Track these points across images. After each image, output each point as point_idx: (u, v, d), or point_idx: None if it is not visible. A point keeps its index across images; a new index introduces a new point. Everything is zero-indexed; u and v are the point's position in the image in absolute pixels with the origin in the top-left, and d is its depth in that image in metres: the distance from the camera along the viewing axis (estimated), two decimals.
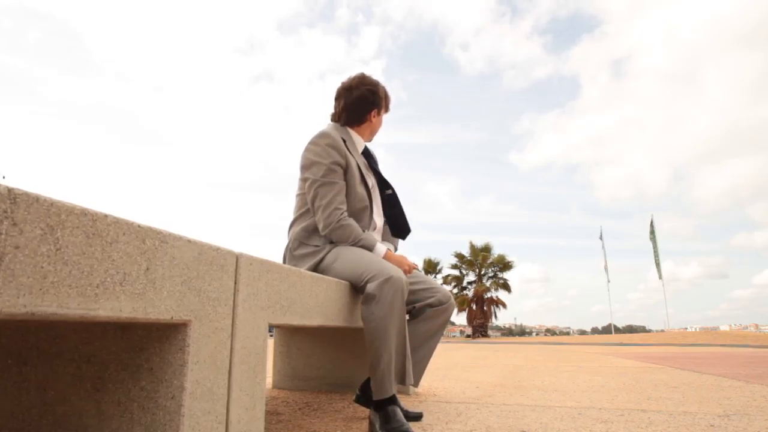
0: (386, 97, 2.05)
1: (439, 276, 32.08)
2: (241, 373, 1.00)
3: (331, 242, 1.79)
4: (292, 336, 2.70)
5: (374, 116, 1.99)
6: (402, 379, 1.68)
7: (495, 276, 30.39)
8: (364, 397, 1.77)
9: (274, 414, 1.90)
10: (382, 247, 1.81)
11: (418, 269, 2.00)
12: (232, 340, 0.98)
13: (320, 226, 1.78)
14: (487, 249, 30.61)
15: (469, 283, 30.74)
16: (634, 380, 3.19)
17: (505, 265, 30.29)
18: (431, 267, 32.18)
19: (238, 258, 1.01)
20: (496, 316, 30.27)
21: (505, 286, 30.15)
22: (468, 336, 28.70)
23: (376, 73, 2.11)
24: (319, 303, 1.40)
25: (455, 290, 31.06)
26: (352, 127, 1.98)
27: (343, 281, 1.64)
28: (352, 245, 1.76)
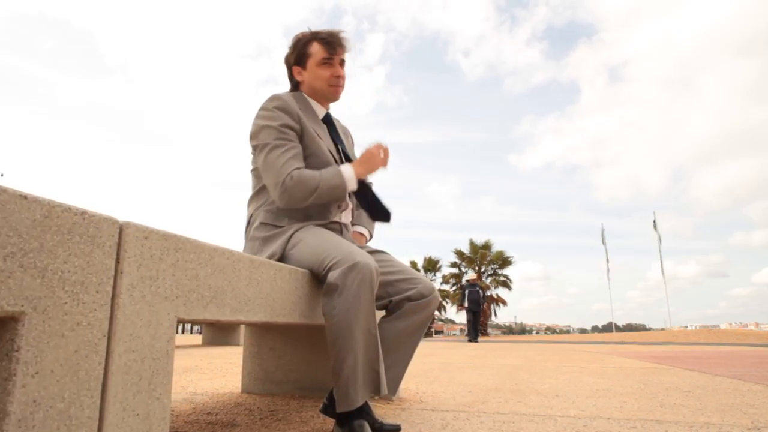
0: (310, 38, 1.65)
1: (438, 274, 31.81)
2: (127, 386, 0.73)
3: (295, 222, 1.52)
4: (263, 335, 2.43)
5: (298, 74, 1.69)
6: (375, 388, 1.40)
7: (494, 273, 30.11)
8: (332, 407, 1.50)
9: (228, 426, 1.63)
10: (348, 169, 1.55)
11: (385, 252, 1.72)
12: (109, 341, 0.71)
13: (275, 196, 1.49)
14: (486, 246, 30.33)
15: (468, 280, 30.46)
16: (642, 383, 2.91)
17: (504, 261, 30.01)
18: (431, 265, 31.88)
19: (122, 228, 0.74)
20: (495, 314, 30.01)
21: (505, 284, 29.88)
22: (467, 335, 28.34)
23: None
24: (263, 294, 1.12)
25: (454, 288, 30.78)
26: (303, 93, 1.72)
27: (300, 268, 1.36)
28: (318, 192, 1.48)
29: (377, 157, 1.61)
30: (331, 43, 1.64)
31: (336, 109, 1.87)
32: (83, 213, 0.67)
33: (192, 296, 0.88)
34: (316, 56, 1.65)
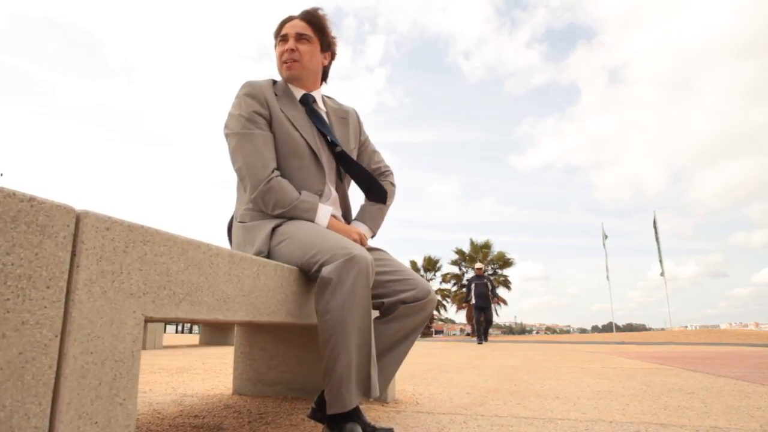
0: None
1: (438, 273, 31.75)
2: (84, 391, 0.66)
3: (276, 216, 1.45)
4: (255, 335, 2.36)
5: None
6: (366, 390, 1.33)
7: (495, 273, 30.04)
8: (321, 411, 1.43)
9: (214, 429, 1.56)
10: (325, 210, 1.47)
11: (383, 251, 1.65)
12: (62, 342, 0.64)
13: (247, 191, 1.45)
14: (487, 246, 30.27)
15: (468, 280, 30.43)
16: (645, 384, 2.85)
17: (505, 262, 29.96)
18: (431, 265, 31.81)
19: (79, 218, 0.67)
20: (496, 314, 29.93)
21: (505, 284, 29.81)
22: (468, 334, 28.25)
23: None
24: (245, 291, 1.06)
25: (454, 287, 30.71)
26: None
27: (288, 264, 1.29)
28: (291, 214, 1.43)
29: (352, 234, 1.52)
30: (283, 19, 1.58)
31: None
32: (31, 200, 0.61)
33: (162, 293, 0.81)
34: (276, 38, 1.61)
